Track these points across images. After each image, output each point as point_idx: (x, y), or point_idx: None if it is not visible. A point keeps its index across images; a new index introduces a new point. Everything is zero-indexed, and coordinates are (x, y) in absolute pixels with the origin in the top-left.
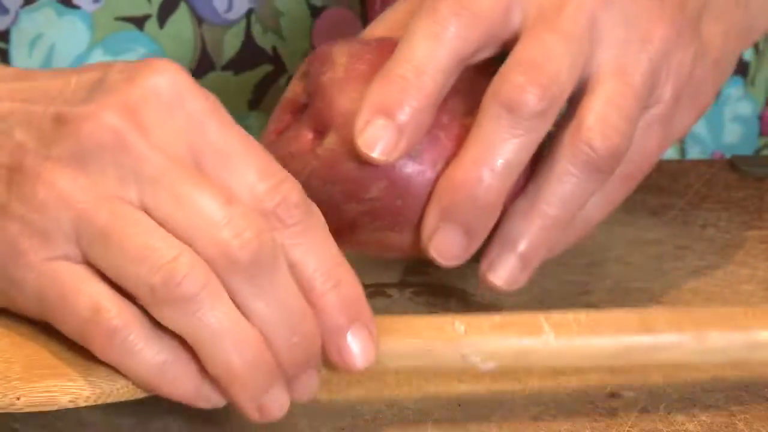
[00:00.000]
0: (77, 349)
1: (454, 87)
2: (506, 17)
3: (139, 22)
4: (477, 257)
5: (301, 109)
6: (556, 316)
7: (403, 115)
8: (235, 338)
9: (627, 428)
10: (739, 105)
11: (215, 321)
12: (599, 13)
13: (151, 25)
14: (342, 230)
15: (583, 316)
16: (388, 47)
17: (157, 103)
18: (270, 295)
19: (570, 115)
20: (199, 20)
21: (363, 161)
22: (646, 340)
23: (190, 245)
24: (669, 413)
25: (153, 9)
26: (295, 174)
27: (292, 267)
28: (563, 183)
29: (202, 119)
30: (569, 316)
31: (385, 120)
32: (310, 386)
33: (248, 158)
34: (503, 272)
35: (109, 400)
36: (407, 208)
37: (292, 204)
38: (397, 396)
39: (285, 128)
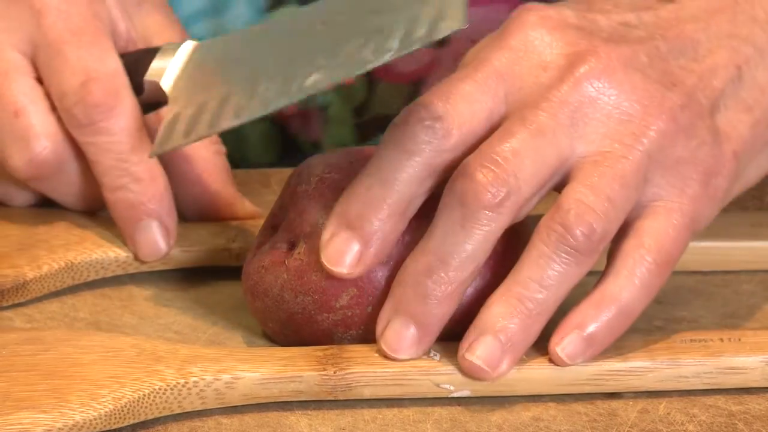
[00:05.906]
0: (51, 382)
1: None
2: (488, 123)
3: None
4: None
5: (280, 223)
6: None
7: (368, 228)
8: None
9: (627, 429)
10: None
11: None
12: (585, 109)
13: None
14: (321, 342)
15: None
16: (367, 156)
17: None
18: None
19: None
20: None
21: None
22: (620, 366)
23: None
24: (669, 413)
25: None
26: (269, 287)
27: (91, 164)
28: (539, 266)
29: (40, 8)
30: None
31: (349, 233)
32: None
33: (69, 53)
34: (481, 351)
35: None
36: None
37: (90, 104)
38: (397, 396)
39: (265, 242)
